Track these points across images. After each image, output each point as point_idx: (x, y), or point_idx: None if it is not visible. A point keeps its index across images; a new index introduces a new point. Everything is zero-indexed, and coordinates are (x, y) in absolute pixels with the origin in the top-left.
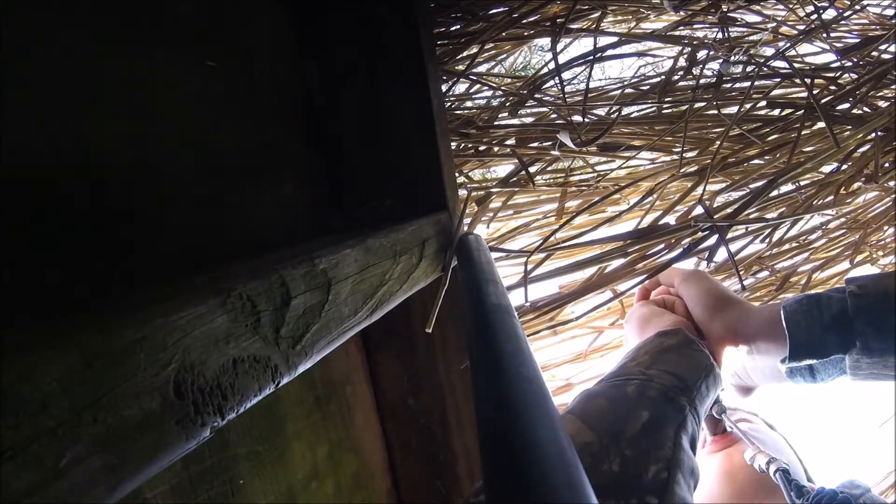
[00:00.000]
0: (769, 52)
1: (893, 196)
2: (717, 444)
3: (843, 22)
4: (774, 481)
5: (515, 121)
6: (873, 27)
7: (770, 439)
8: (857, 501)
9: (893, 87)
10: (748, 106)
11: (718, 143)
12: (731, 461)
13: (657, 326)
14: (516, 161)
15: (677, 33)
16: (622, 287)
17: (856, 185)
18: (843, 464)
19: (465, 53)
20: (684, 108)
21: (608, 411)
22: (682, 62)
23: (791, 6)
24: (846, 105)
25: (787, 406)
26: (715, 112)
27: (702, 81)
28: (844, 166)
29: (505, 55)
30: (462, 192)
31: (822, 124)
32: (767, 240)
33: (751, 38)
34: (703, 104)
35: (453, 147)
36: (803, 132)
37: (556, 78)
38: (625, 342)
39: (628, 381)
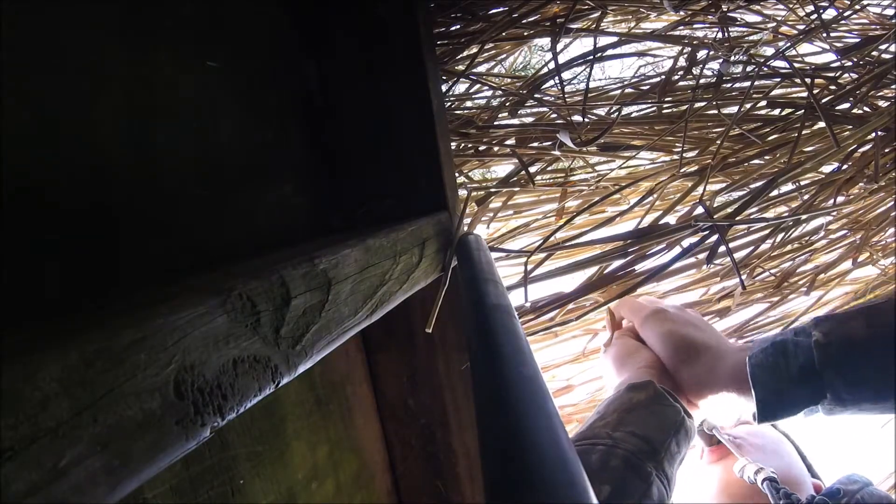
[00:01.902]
0: (769, 51)
1: (894, 196)
2: (715, 455)
3: (843, 22)
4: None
5: (515, 121)
6: (873, 27)
7: (771, 440)
8: (855, 497)
9: (893, 87)
10: (748, 106)
11: (718, 143)
12: (729, 472)
13: (632, 366)
14: (516, 161)
15: (677, 33)
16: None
17: (857, 189)
18: (843, 464)
19: (465, 53)
20: (684, 108)
21: None
22: (682, 62)
23: (791, 6)
24: (846, 105)
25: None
26: (715, 112)
27: (702, 81)
28: (845, 166)
29: (505, 55)
30: (462, 192)
31: (822, 124)
32: (768, 240)
33: (751, 38)
34: (703, 104)
35: (453, 147)
36: (803, 132)
37: (556, 78)
38: (603, 376)
39: (594, 447)
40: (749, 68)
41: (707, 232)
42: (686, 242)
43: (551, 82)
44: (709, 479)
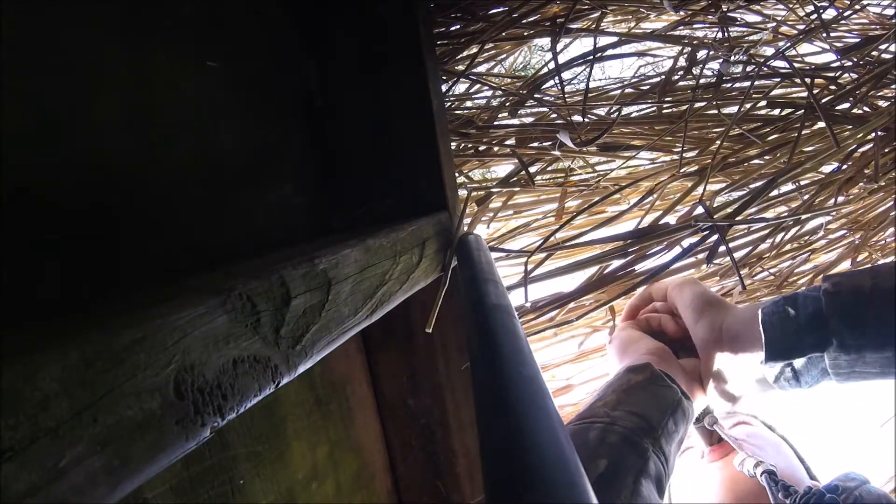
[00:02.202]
0: (769, 51)
1: (894, 196)
2: (717, 453)
3: (843, 22)
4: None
5: (515, 121)
6: (873, 27)
7: (769, 442)
8: (852, 494)
9: (893, 87)
10: (748, 106)
11: (718, 143)
12: (731, 469)
13: (635, 352)
14: (516, 161)
15: (677, 33)
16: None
17: (856, 189)
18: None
19: (465, 53)
20: (684, 108)
21: None
22: (682, 62)
23: (791, 6)
24: (846, 105)
25: (787, 408)
26: (715, 112)
27: (702, 81)
28: (844, 166)
29: (505, 55)
30: (462, 192)
31: (822, 124)
32: (767, 239)
33: (751, 37)
34: (703, 104)
35: (453, 147)
36: (803, 132)
37: (556, 78)
38: (607, 366)
39: (592, 425)
40: (749, 68)
41: (707, 232)
42: (686, 242)
43: (551, 82)
44: (711, 477)
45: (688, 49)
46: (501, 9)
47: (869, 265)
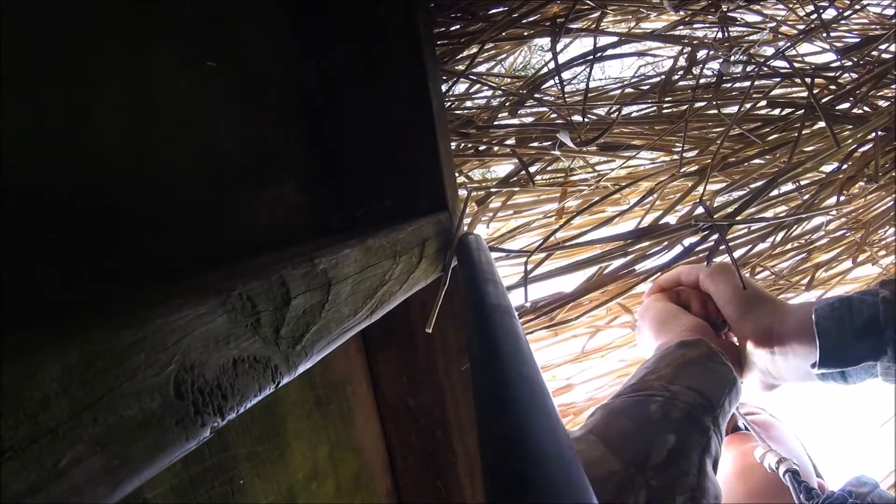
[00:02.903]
0: (769, 51)
1: (894, 196)
2: (732, 443)
3: (843, 22)
4: (784, 482)
5: (515, 121)
6: (873, 27)
7: (785, 434)
8: (865, 499)
9: (893, 86)
10: (748, 106)
11: (718, 142)
12: (745, 460)
13: (675, 328)
14: (516, 161)
15: (677, 33)
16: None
17: (856, 188)
18: (843, 465)
19: (465, 53)
20: (684, 107)
21: (632, 435)
22: (682, 62)
23: (791, 6)
24: (846, 105)
25: (787, 408)
26: (715, 112)
27: (702, 81)
28: (845, 166)
29: (505, 55)
30: (462, 192)
31: (822, 124)
32: (768, 239)
33: (751, 37)
34: (703, 104)
35: (453, 147)
36: (803, 132)
37: (556, 78)
38: (638, 339)
39: (651, 398)
40: (749, 68)
41: (707, 232)
42: (686, 242)
43: (551, 82)
44: (724, 465)
45: (688, 49)
46: (501, 9)
47: None
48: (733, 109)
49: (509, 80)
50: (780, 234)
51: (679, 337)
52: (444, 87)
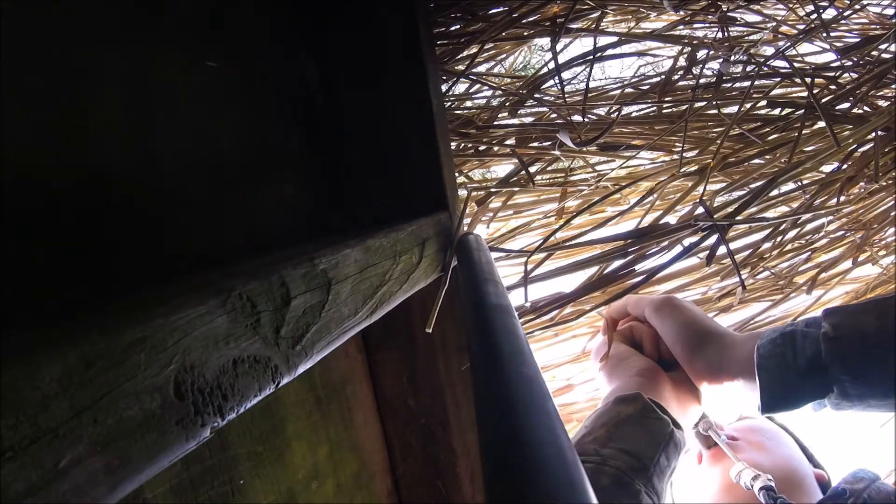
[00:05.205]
0: (769, 51)
1: (894, 196)
2: (713, 458)
3: (843, 21)
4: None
5: (515, 121)
6: (873, 27)
7: (769, 435)
8: (861, 496)
9: (893, 86)
10: (748, 105)
11: (718, 142)
12: (729, 476)
13: (626, 372)
14: (516, 161)
15: (677, 33)
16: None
17: (857, 188)
18: (844, 456)
19: (465, 53)
20: (684, 107)
21: None
22: (682, 62)
23: (791, 6)
24: (846, 105)
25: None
26: (715, 112)
27: (702, 81)
28: (845, 166)
29: (505, 55)
30: (462, 192)
31: (822, 124)
32: (768, 239)
33: (751, 37)
34: (703, 104)
35: (453, 147)
36: (804, 132)
37: (556, 78)
38: (598, 381)
39: (583, 465)
40: (749, 68)
41: (707, 232)
42: (686, 242)
43: (551, 82)
44: (708, 482)
45: (688, 49)
46: (501, 9)
47: (875, 296)
48: (733, 109)
49: (509, 80)
50: (781, 235)
51: (622, 387)
52: (444, 87)
